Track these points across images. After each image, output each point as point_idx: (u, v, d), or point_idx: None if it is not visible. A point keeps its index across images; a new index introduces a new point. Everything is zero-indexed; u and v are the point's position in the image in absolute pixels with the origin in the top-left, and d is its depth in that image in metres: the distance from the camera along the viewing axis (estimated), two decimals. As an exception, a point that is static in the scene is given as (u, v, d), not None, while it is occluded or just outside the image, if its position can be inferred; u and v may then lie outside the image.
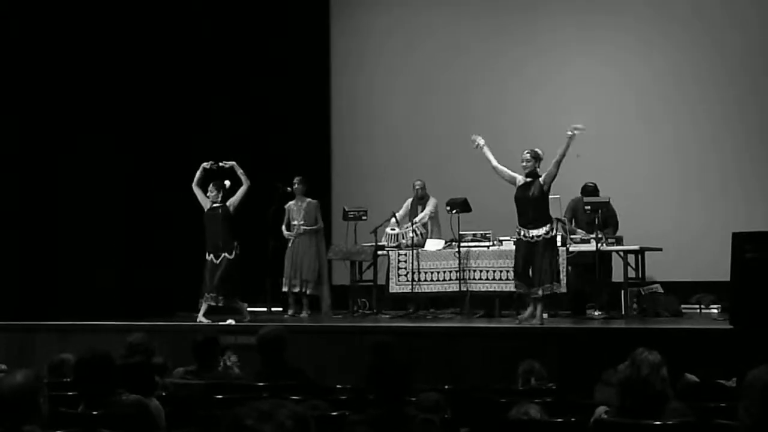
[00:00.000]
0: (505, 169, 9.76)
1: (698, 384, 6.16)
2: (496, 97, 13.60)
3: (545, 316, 9.80)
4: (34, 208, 11.97)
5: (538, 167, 9.69)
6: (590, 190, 11.38)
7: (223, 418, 2.51)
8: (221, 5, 14.23)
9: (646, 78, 12.91)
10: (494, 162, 9.76)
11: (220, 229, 10.76)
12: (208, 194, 10.92)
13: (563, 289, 9.92)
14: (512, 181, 9.73)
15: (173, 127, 13.30)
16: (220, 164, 10.96)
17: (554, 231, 9.79)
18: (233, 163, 10.96)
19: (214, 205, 10.88)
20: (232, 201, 10.87)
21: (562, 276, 9.97)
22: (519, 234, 9.68)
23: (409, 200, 12.08)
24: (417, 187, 12.04)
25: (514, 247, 10.01)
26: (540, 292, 9.50)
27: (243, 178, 10.90)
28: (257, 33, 14.39)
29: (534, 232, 9.54)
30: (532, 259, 9.61)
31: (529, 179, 9.65)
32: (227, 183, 10.94)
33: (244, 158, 11.33)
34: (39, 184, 12.03)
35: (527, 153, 9.69)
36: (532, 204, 9.56)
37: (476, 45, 13.75)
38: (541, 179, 9.58)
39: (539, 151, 9.73)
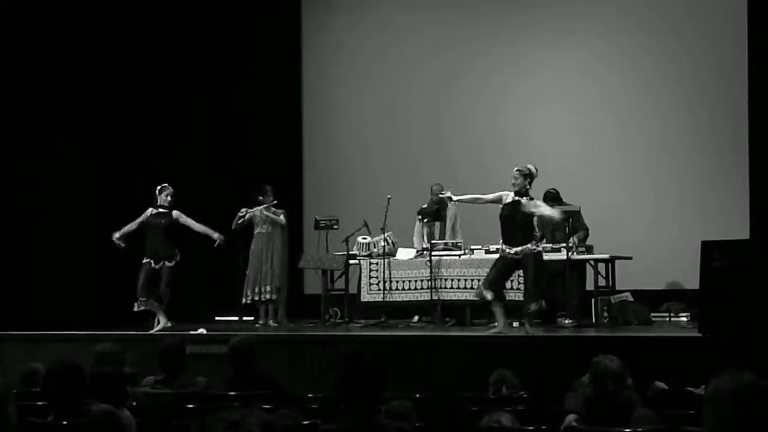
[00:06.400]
0: (484, 195, 9.58)
1: (667, 391, 6.20)
2: (469, 105, 13.61)
3: (515, 324, 9.93)
4: (3, 216, 11.86)
5: (529, 186, 9.47)
6: (553, 195, 11.22)
7: (193, 428, 2.52)
8: (194, 14, 14.18)
9: (616, 86, 12.98)
10: (471, 197, 9.63)
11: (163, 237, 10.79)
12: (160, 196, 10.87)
13: (543, 306, 9.72)
14: (498, 200, 9.46)
15: (148, 135, 13.22)
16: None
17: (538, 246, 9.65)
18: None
19: (161, 210, 10.84)
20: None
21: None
22: (503, 251, 9.50)
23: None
24: (435, 190, 11.61)
25: (485, 256, 9.98)
26: (533, 307, 9.45)
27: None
28: (229, 39, 14.32)
29: (517, 249, 9.38)
30: (509, 273, 9.61)
31: (517, 198, 9.42)
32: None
33: (214, 168, 11.27)
34: (8, 191, 11.92)
35: (516, 170, 9.45)
36: (519, 225, 9.39)
37: (447, 53, 13.75)
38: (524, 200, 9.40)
39: (532, 168, 9.49)
